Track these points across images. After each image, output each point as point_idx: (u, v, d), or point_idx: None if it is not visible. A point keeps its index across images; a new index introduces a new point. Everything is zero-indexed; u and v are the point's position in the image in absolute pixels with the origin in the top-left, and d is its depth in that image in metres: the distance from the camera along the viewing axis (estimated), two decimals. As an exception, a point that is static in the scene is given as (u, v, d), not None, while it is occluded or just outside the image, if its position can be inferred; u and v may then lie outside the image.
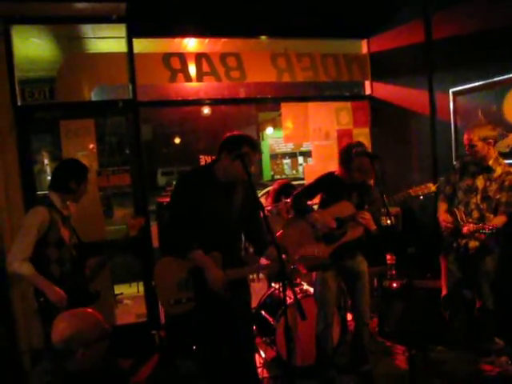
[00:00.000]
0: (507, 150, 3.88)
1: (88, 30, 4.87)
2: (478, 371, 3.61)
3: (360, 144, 3.45)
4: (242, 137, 2.84)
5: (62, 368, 1.98)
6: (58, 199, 3.08)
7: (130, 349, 3.97)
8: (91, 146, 4.67)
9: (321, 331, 3.56)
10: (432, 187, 3.35)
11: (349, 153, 3.39)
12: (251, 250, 4.51)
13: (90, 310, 2.16)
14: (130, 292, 6.40)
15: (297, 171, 12.20)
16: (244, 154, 2.69)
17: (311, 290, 3.91)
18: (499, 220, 3.56)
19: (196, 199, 2.81)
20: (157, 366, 4.01)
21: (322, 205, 3.59)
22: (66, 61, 4.79)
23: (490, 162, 3.61)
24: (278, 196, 4.49)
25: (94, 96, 4.74)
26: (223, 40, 5.17)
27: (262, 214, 2.76)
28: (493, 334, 3.81)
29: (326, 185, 3.58)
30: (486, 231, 3.42)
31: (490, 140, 3.55)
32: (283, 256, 2.65)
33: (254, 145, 2.85)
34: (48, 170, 9.66)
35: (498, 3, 3.85)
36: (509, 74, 3.78)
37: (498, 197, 3.59)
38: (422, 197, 3.41)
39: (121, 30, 4.61)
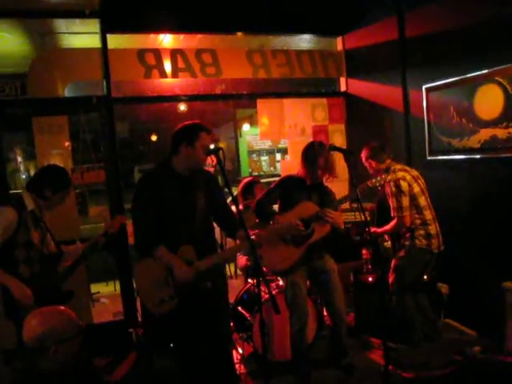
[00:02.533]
0: (478, 145, 3.95)
1: (61, 25, 4.80)
2: (452, 361, 3.68)
3: (322, 143, 3.55)
4: (195, 124, 2.90)
5: (34, 366, 1.96)
6: (31, 201, 2.99)
7: (107, 347, 3.93)
8: (66, 143, 4.60)
9: (296, 333, 3.56)
10: (386, 177, 3.48)
11: (314, 150, 3.45)
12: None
13: (62, 307, 2.13)
14: (106, 291, 6.36)
15: (274, 168, 12.25)
16: (218, 149, 2.70)
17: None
18: (387, 225, 4.00)
19: (158, 196, 2.83)
20: (134, 364, 3.98)
21: (282, 208, 3.60)
22: (38, 56, 4.72)
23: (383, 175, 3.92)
24: (244, 196, 4.56)
25: (67, 92, 4.66)
26: (199, 36, 5.16)
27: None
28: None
29: (285, 187, 3.59)
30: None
31: (369, 159, 4.01)
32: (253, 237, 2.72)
33: (208, 129, 2.91)
34: (22, 168, 9.48)
35: (469, 2, 3.92)
36: (479, 70, 3.85)
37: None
38: (379, 187, 3.69)
39: (94, 25, 4.54)
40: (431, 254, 3.92)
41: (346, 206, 5.07)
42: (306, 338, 3.66)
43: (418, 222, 3.88)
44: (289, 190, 3.56)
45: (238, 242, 3.17)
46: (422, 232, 3.88)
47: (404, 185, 3.81)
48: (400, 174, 3.85)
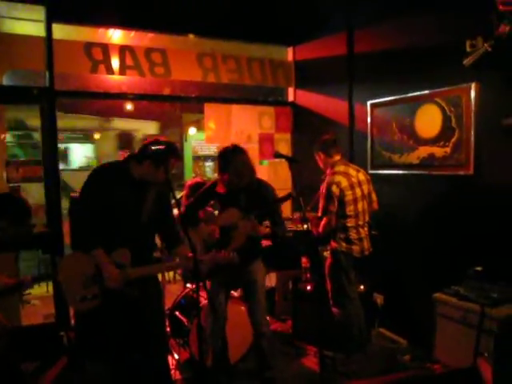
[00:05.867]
0: (417, 161, 4.11)
1: (3, 9, 4.55)
2: (385, 370, 3.77)
3: (236, 147, 3.39)
4: (169, 149, 2.80)
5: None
6: None
7: (37, 351, 3.75)
8: (2, 135, 4.36)
9: (209, 337, 3.49)
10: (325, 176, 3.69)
11: (225, 156, 3.32)
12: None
13: (-13, 306, 2.00)
14: (38, 292, 6.05)
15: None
16: (169, 162, 2.68)
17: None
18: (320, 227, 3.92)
19: (106, 193, 2.76)
20: (64, 369, 3.81)
21: (219, 211, 3.54)
22: (-25, 39, 4.44)
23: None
24: (188, 198, 4.48)
25: (5, 80, 4.41)
26: (150, 35, 5.07)
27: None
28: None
29: (213, 192, 3.48)
30: None
31: (319, 152, 4.00)
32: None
33: (179, 155, 2.90)
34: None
35: (416, 25, 4.08)
36: (421, 90, 4.02)
37: None
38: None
39: (40, 12, 4.36)
40: (352, 259, 3.86)
41: (289, 215, 5.14)
42: (215, 341, 3.55)
43: (340, 226, 3.85)
44: (217, 194, 3.44)
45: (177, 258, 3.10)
46: (342, 236, 3.86)
47: (335, 191, 3.75)
48: (337, 179, 3.80)
